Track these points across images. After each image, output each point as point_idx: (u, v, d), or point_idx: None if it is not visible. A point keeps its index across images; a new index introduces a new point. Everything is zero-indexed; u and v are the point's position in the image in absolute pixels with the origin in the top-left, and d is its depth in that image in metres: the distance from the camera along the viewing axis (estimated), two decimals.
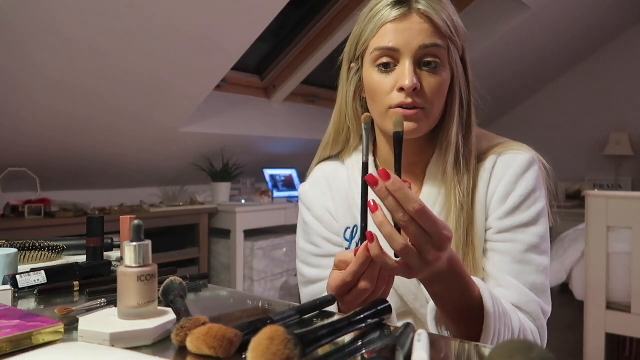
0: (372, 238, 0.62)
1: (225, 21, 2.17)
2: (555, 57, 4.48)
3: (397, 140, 0.66)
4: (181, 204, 3.06)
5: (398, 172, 0.65)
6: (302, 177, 3.01)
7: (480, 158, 0.86)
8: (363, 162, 0.68)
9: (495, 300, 0.72)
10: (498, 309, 0.71)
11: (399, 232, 0.62)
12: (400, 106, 0.78)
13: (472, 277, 0.72)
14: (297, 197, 3.29)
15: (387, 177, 0.60)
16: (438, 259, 0.62)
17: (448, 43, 0.80)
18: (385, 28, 0.79)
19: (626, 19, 4.48)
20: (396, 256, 0.64)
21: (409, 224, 0.60)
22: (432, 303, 0.75)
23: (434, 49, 0.78)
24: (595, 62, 4.84)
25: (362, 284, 0.65)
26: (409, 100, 0.78)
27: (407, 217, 0.60)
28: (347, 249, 0.90)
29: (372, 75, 0.82)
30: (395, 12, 0.79)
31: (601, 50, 4.79)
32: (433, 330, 0.75)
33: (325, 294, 0.89)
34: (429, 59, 0.79)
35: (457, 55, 0.83)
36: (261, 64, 3.27)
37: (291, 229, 3.36)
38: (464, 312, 0.71)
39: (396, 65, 0.79)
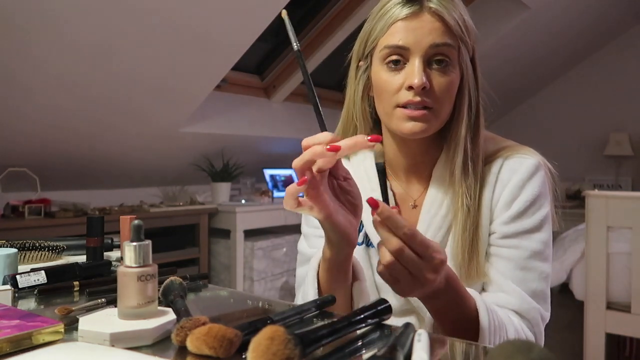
0: (377, 204, 0.62)
1: (225, 21, 2.17)
2: (555, 57, 4.48)
3: (380, 171, 0.67)
4: (181, 204, 3.06)
5: (385, 200, 0.65)
6: None
7: (487, 161, 0.85)
8: (295, 50, 0.68)
9: (491, 314, 0.72)
10: (493, 322, 0.72)
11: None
12: (408, 104, 0.78)
13: (467, 289, 0.73)
14: None
15: (375, 205, 0.61)
16: (433, 281, 0.63)
17: (459, 43, 0.79)
18: (395, 26, 0.79)
19: (626, 19, 4.48)
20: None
21: (401, 251, 0.61)
22: (429, 314, 0.76)
23: (444, 48, 0.77)
24: (595, 62, 4.84)
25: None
26: (417, 98, 0.77)
27: (399, 243, 0.60)
28: None
29: (381, 73, 0.81)
30: (406, 10, 0.78)
31: (601, 50, 4.79)
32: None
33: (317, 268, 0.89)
34: (439, 58, 0.78)
35: (467, 56, 0.82)
36: (261, 64, 3.27)
37: (291, 229, 3.36)
38: (460, 324, 0.72)
39: (405, 64, 0.78)
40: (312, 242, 0.94)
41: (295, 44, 0.67)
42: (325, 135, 0.63)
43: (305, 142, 0.64)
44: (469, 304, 0.72)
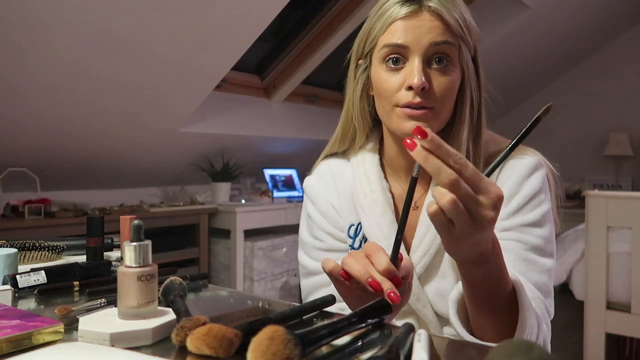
0: (426, 133, 0.54)
1: (225, 21, 2.17)
2: (555, 57, 4.48)
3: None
4: (181, 204, 3.06)
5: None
6: (302, 177, 2.98)
7: (488, 162, 0.84)
8: (413, 177, 0.61)
9: (527, 294, 0.68)
10: (530, 301, 0.68)
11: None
12: (408, 106, 0.77)
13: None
14: (297, 197, 3.30)
15: (423, 134, 0.54)
16: (492, 220, 0.55)
17: (459, 42, 0.79)
18: (395, 25, 0.78)
19: (626, 19, 4.48)
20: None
21: (458, 182, 0.53)
22: (454, 294, 0.71)
23: (444, 47, 0.77)
24: (595, 62, 4.84)
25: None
26: (417, 99, 0.76)
27: (454, 174, 0.53)
28: (350, 245, 0.91)
29: (380, 73, 0.80)
30: (405, 9, 0.78)
31: (601, 50, 4.79)
32: (456, 323, 0.70)
33: (326, 286, 0.90)
34: (439, 57, 0.77)
35: (469, 55, 0.81)
36: (261, 64, 3.27)
37: (291, 229, 3.36)
38: (497, 302, 0.66)
39: (405, 63, 0.78)
40: (313, 254, 0.94)
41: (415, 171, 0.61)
42: (381, 263, 0.61)
43: (369, 251, 0.63)
44: (508, 279, 0.65)
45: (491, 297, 0.65)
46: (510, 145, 0.60)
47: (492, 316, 0.67)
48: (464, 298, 0.70)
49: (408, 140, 0.55)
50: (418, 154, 0.54)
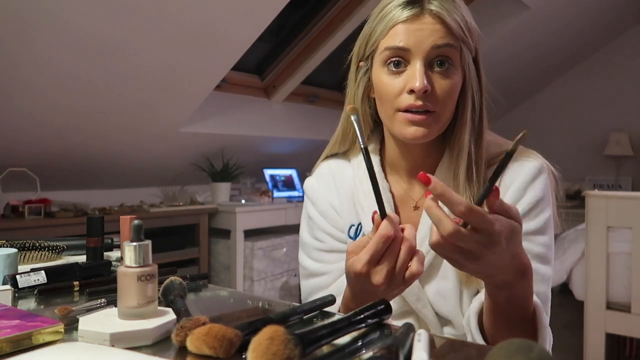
0: (429, 179, 0.57)
1: (225, 21, 2.18)
2: (555, 57, 4.48)
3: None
4: (181, 204, 3.06)
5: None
6: (302, 177, 2.98)
7: (490, 164, 0.84)
8: (362, 148, 0.65)
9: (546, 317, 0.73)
10: (547, 322, 0.72)
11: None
12: (410, 109, 0.77)
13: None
14: (297, 197, 3.30)
15: (427, 180, 0.56)
16: (493, 261, 0.58)
17: (460, 44, 0.78)
18: (396, 28, 0.78)
19: (626, 19, 4.48)
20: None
21: (457, 233, 0.56)
22: (475, 306, 0.74)
23: (446, 49, 0.77)
24: (595, 62, 4.84)
25: (384, 264, 0.63)
26: (419, 102, 0.76)
27: (453, 227, 0.55)
28: None
29: (382, 76, 0.80)
30: (406, 12, 0.77)
31: (601, 50, 4.79)
32: (476, 333, 0.73)
33: (326, 287, 0.89)
34: (441, 60, 0.77)
35: (470, 57, 0.81)
36: (261, 64, 3.27)
37: (291, 229, 3.36)
38: (515, 320, 0.69)
39: (407, 66, 0.78)
40: (313, 255, 0.93)
41: (362, 143, 0.65)
42: (386, 230, 0.62)
43: (381, 242, 0.63)
44: (529, 303, 0.69)
45: (511, 315, 0.69)
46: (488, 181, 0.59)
47: (507, 330, 0.70)
48: (482, 309, 0.73)
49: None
50: (427, 202, 0.57)
